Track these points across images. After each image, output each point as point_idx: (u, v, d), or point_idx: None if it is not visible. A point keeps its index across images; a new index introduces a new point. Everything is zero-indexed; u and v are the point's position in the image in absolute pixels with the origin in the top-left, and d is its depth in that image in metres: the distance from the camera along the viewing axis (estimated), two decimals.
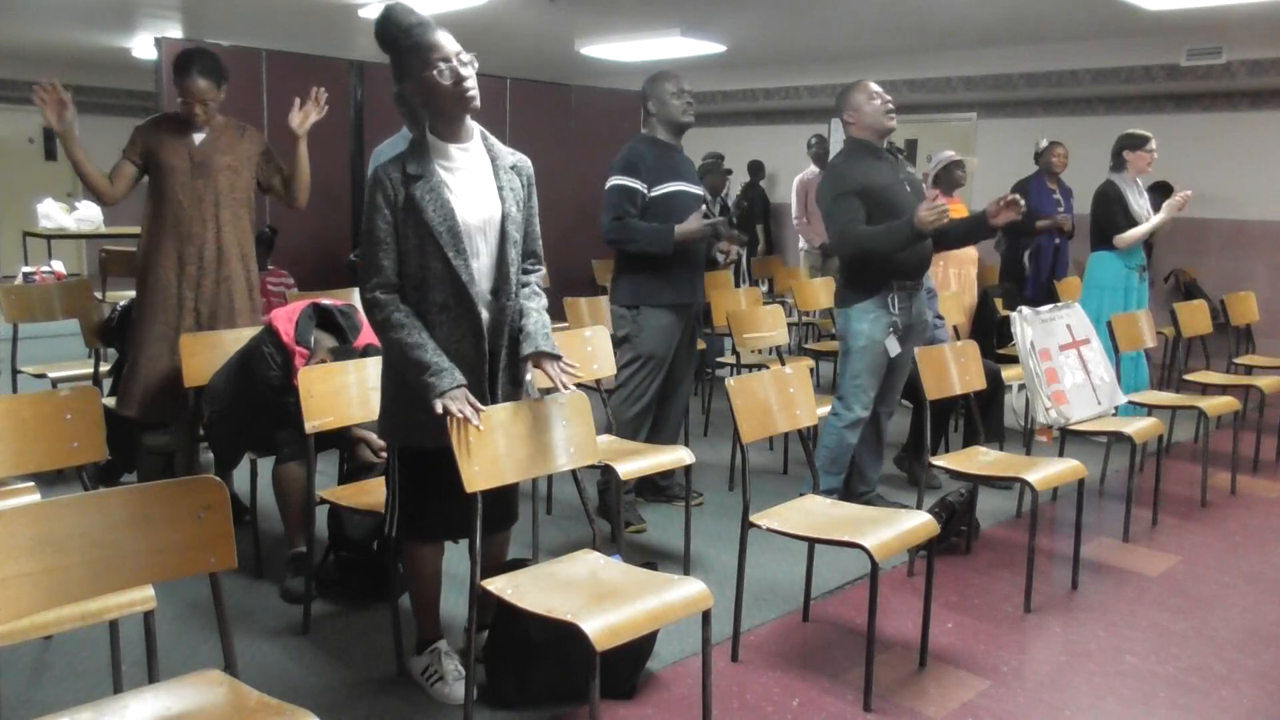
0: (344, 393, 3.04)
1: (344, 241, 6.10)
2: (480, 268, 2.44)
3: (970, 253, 6.05)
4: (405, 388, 2.43)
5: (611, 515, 3.70)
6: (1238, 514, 4.43)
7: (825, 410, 3.91)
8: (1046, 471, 3.34)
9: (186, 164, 3.60)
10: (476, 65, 2.40)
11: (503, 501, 2.64)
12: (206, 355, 3.47)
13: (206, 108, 3.58)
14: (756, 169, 10.14)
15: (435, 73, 2.34)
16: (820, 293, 5.91)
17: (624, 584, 2.35)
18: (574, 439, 2.61)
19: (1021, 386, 4.84)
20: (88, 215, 8.43)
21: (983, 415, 4.19)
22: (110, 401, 3.99)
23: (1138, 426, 4.01)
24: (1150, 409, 4.60)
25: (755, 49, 9.62)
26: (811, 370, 5.22)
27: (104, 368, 4.54)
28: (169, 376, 3.60)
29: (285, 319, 3.24)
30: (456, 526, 2.53)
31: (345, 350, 3.24)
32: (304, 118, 3.78)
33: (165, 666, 2.24)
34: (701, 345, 5.88)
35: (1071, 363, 4.18)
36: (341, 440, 3.34)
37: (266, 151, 3.80)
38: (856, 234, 3.73)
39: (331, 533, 3.33)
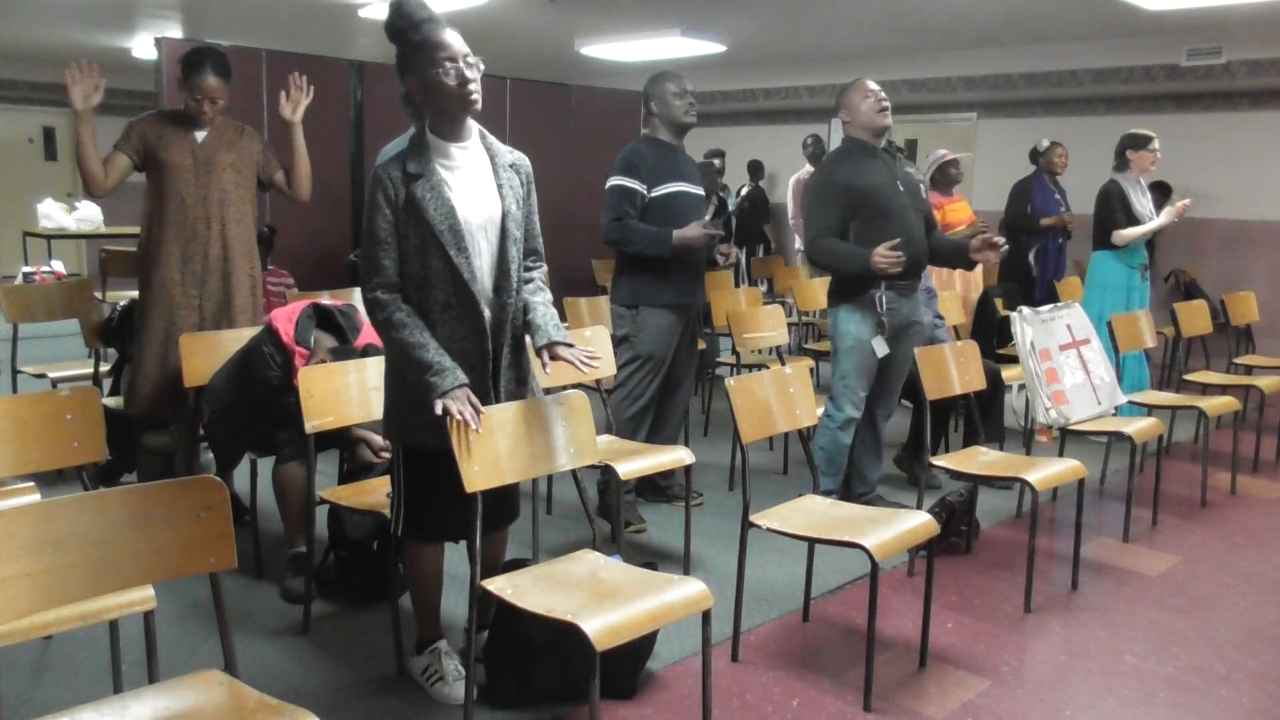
0: (344, 393, 3.04)
1: (344, 241, 6.10)
2: (482, 266, 2.44)
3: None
4: (408, 388, 2.43)
5: (611, 515, 3.70)
6: (1238, 514, 4.43)
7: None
8: (1046, 471, 3.34)
9: (190, 162, 3.60)
10: (482, 69, 2.40)
11: (504, 501, 2.65)
12: (206, 355, 3.47)
13: (215, 106, 3.59)
14: (756, 169, 10.13)
15: (441, 71, 2.34)
16: (820, 293, 5.91)
17: (624, 584, 2.35)
18: (574, 439, 2.61)
19: (1021, 386, 4.84)
20: (88, 215, 8.43)
21: (983, 415, 4.19)
22: (110, 401, 3.99)
23: (1138, 426, 4.01)
24: (1150, 409, 4.60)
25: (755, 49, 9.62)
26: (811, 370, 5.22)
27: (104, 368, 4.54)
28: (174, 375, 3.60)
29: (285, 319, 3.24)
30: (457, 526, 2.53)
31: (345, 350, 3.24)
32: (294, 106, 3.79)
33: (165, 666, 2.25)
34: (702, 345, 5.89)
35: (1071, 363, 4.18)
36: (341, 440, 3.34)
37: (266, 148, 3.81)
38: (821, 246, 3.79)
39: (331, 533, 3.33)
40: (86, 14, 8.73)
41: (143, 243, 3.69)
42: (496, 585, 2.34)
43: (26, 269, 8.06)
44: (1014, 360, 4.92)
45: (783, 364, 4.77)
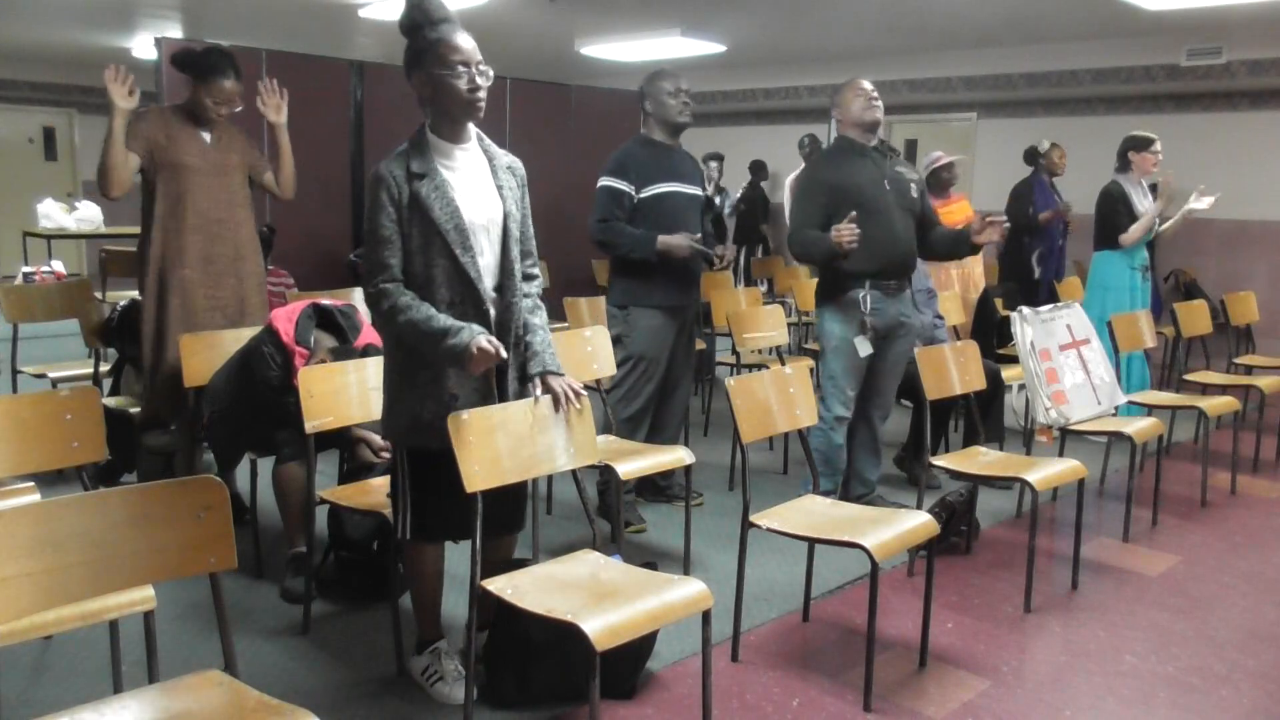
0: (344, 393, 3.04)
1: (344, 241, 6.10)
2: (485, 266, 2.46)
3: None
4: (411, 388, 2.44)
5: (611, 515, 3.70)
6: (1238, 514, 4.43)
7: None
8: (1046, 471, 3.34)
9: (204, 163, 3.62)
10: (491, 78, 2.42)
11: (510, 505, 2.65)
12: (206, 355, 3.47)
13: (232, 109, 3.62)
14: (758, 169, 10.13)
15: (452, 74, 2.36)
16: None
17: (624, 584, 2.35)
18: (574, 439, 2.61)
19: (1021, 386, 4.84)
20: (88, 215, 8.43)
21: (983, 415, 4.19)
22: (110, 401, 3.99)
23: (1138, 426, 4.01)
24: (1150, 409, 4.60)
25: (755, 49, 9.62)
26: (811, 370, 5.21)
27: (104, 368, 4.54)
28: None
29: (285, 319, 3.24)
30: (458, 527, 2.53)
31: (345, 350, 3.24)
32: (275, 108, 3.82)
33: (165, 666, 2.25)
34: (701, 345, 5.89)
35: (1071, 363, 4.18)
36: (341, 440, 3.34)
37: (253, 145, 3.84)
38: (798, 237, 3.82)
39: (331, 533, 3.33)
40: (86, 14, 8.74)
41: (159, 246, 3.62)
42: (496, 585, 2.34)
43: (26, 269, 8.06)
44: (1014, 360, 4.92)
45: (783, 364, 4.77)
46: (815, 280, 6.30)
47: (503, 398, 2.52)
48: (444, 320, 2.35)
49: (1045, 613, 3.33)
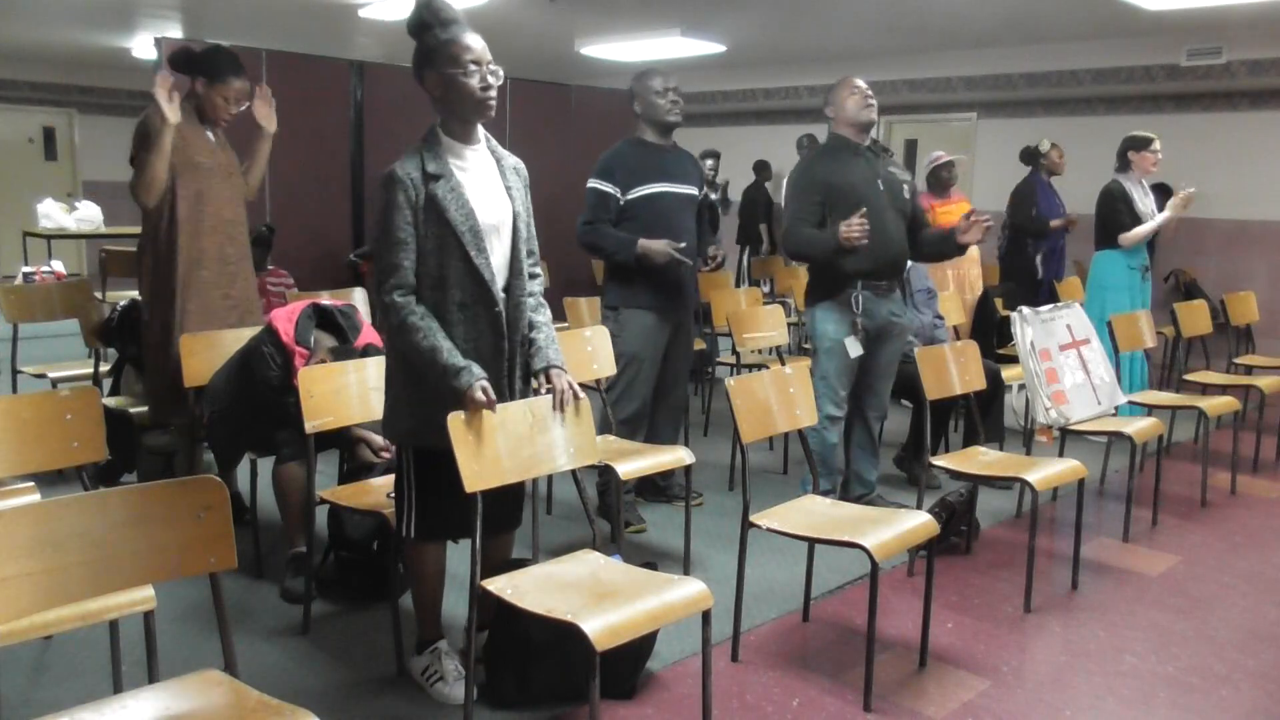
0: (344, 393, 3.04)
1: (344, 241, 6.11)
2: (496, 266, 2.48)
3: (971, 251, 6.06)
4: (418, 388, 2.45)
5: (611, 515, 3.70)
6: (1238, 514, 4.43)
7: None
8: (1046, 471, 3.34)
9: (214, 163, 3.64)
10: (501, 78, 2.44)
11: (508, 504, 2.65)
12: (206, 355, 3.47)
13: (240, 107, 3.65)
14: (762, 168, 10.12)
15: (463, 72, 2.37)
16: None
17: (624, 584, 2.35)
18: (574, 439, 2.61)
19: (1021, 386, 4.84)
20: (88, 215, 8.43)
21: (983, 415, 4.19)
22: (111, 401, 3.99)
23: (1138, 426, 4.01)
24: (1150, 409, 4.60)
25: (755, 49, 9.62)
26: (811, 370, 5.21)
27: (104, 368, 4.53)
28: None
29: (285, 319, 3.24)
30: (459, 526, 2.54)
31: (345, 350, 3.24)
32: (267, 116, 3.83)
33: (165, 666, 2.24)
34: (701, 345, 5.89)
35: (1071, 363, 4.18)
36: (341, 440, 3.34)
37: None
38: (796, 235, 3.81)
39: (331, 533, 3.33)
40: (86, 14, 8.73)
41: (185, 246, 3.59)
42: (496, 585, 2.34)
43: (26, 269, 8.06)
44: (1014, 360, 4.92)
45: (783, 364, 4.77)
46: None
47: (512, 395, 2.54)
48: (447, 356, 2.36)
49: (1045, 613, 3.33)
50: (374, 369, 3.13)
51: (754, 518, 2.88)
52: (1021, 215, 6.52)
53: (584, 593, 2.29)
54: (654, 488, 4.27)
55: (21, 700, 2.59)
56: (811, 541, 2.92)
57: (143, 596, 2.09)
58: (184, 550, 1.88)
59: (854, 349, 3.81)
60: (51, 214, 8.28)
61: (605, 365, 3.83)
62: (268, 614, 3.15)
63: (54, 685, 2.68)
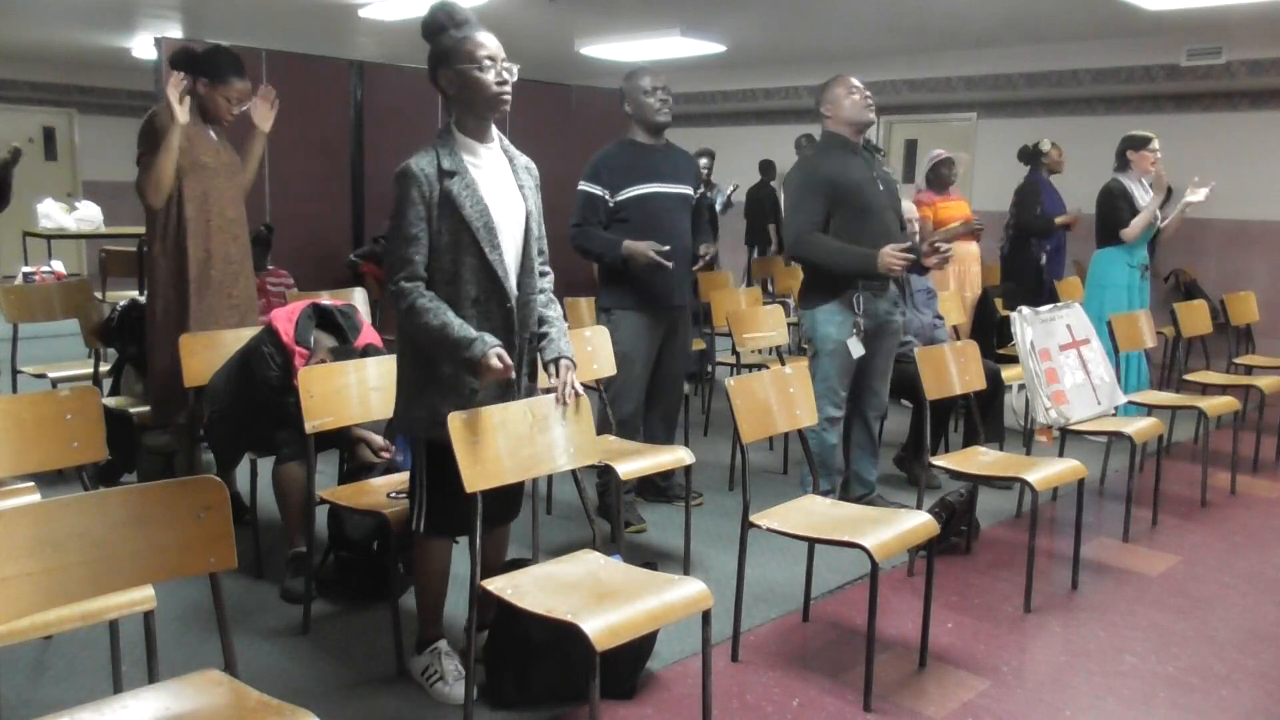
0: (344, 393, 3.04)
1: (344, 241, 6.11)
2: (509, 262, 2.50)
3: (972, 250, 6.07)
4: (430, 378, 2.46)
5: (611, 515, 3.70)
6: (1238, 514, 4.43)
7: None
8: (1046, 471, 3.34)
9: (217, 163, 3.64)
10: (515, 75, 2.48)
11: (508, 503, 2.66)
12: (206, 355, 3.47)
13: (241, 107, 3.65)
14: (767, 168, 10.11)
15: (479, 68, 2.41)
16: None
17: (624, 584, 2.35)
18: (574, 439, 2.61)
19: (1021, 386, 4.84)
20: (88, 215, 8.44)
21: (983, 415, 4.19)
22: (111, 401, 3.99)
23: (1138, 426, 4.01)
24: (1150, 409, 4.60)
25: (755, 49, 9.62)
26: (811, 372, 5.21)
27: (104, 368, 4.53)
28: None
29: (285, 319, 3.24)
30: (465, 521, 2.55)
31: (345, 350, 3.24)
32: (265, 115, 3.84)
33: (165, 666, 2.24)
34: (701, 345, 5.89)
35: (1071, 363, 4.18)
36: (341, 440, 3.34)
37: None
38: (813, 243, 3.75)
39: (331, 533, 3.33)
40: (86, 14, 8.73)
41: (198, 246, 3.59)
42: (496, 585, 2.34)
43: (26, 269, 8.07)
44: (1014, 360, 4.92)
45: (783, 364, 4.77)
46: None
47: (519, 391, 2.56)
48: (458, 330, 2.38)
49: (1045, 613, 3.33)
50: (374, 369, 3.13)
51: (754, 518, 2.88)
52: (1026, 214, 6.48)
53: (584, 593, 2.29)
54: (654, 488, 4.27)
55: (21, 700, 2.59)
56: (811, 541, 2.92)
57: (143, 596, 2.09)
58: (184, 550, 1.88)
59: (856, 349, 3.81)
60: (51, 214, 8.28)
61: (605, 365, 3.84)
62: (268, 614, 3.15)
63: (54, 685, 2.68)
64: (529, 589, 2.32)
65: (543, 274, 2.65)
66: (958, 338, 5.30)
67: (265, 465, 3.34)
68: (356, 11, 7.92)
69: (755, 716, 2.63)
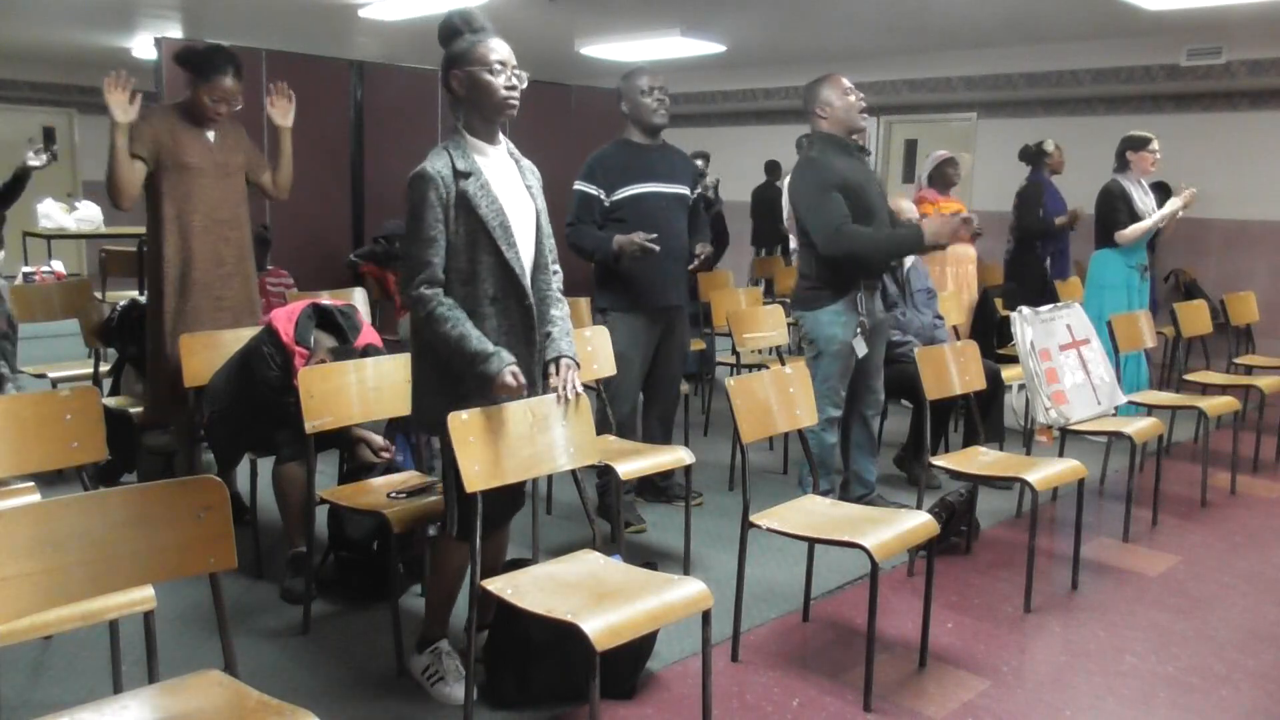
0: (344, 393, 3.04)
1: (344, 242, 6.11)
2: (525, 261, 2.52)
3: (969, 251, 6.07)
4: (453, 376, 2.47)
5: (611, 515, 3.70)
6: (1238, 514, 4.43)
7: None
8: (1046, 471, 3.34)
9: (210, 164, 3.60)
10: (525, 82, 2.51)
11: (511, 496, 2.67)
12: (206, 355, 3.47)
13: (232, 108, 3.61)
14: (773, 168, 10.11)
15: (489, 70, 2.44)
16: None
17: (624, 584, 2.35)
18: (574, 439, 2.61)
19: (1021, 386, 4.84)
20: (88, 215, 8.44)
21: (983, 415, 4.19)
22: (111, 401, 3.99)
23: (1138, 426, 4.01)
24: (1150, 409, 4.60)
25: (755, 49, 9.62)
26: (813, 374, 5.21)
27: (104, 368, 4.54)
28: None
29: (285, 319, 3.24)
30: (501, 515, 2.62)
31: (345, 350, 3.24)
32: (283, 112, 3.81)
33: (165, 666, 2.24)
34: (701, 345, 5.89)
35: (1071, 363, 4.18)
36: (341, 440, 3.35)
37: (253, 145, 3.83)
38: (851, 233, 3.66)
39: (331, 533, 3.33)
40: (86, 14, 8.74)
41: (175, 247, 3.59)
42: (496, 585, 2.34)
43: (26, 269, 8.07)
44: (1014, 360, 4.92)
45: (783, 364, 4.77)
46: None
47: (535, 390, 2.57)
48: (476, 343, 2.40)
49: (1045, 613, 3.33)
50: (374, 369, 3.13)
51: (754, 518, 2.88)
52: (1028, 217, 6.44)
53: (584, 593, 2.29)
54: (654, 488, 4.27)
55: (21, 700, 2.59)
56: (811, 541, 2.92)
57: (143, 596, 2.09)
58: (184, 550, 1.88)
59: (861, 348, 3.83)
60: (51, 214, 8.29)
61: (605, 365, 3.84)
62: (268, 614, 3.15)
63: (54, 685, 2.68)
64: (529, 589, 2.32)
65: (554, 272, 2.69)
66: (958, 338, 5.30)
67: (265, 465, 3.34)
68: (356, 11, 7.92)
69: (755, 716, 2.63)
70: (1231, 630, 3.22)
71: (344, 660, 2.87)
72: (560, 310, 2.66)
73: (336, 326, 3.31)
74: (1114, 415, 4.28)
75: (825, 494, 3.69)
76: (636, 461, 3.39)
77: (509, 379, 2.38)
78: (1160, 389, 5.44)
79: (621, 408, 3.88)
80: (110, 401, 4.00)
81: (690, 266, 4.04)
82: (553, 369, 2.61)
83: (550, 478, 4.08)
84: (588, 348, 3.81)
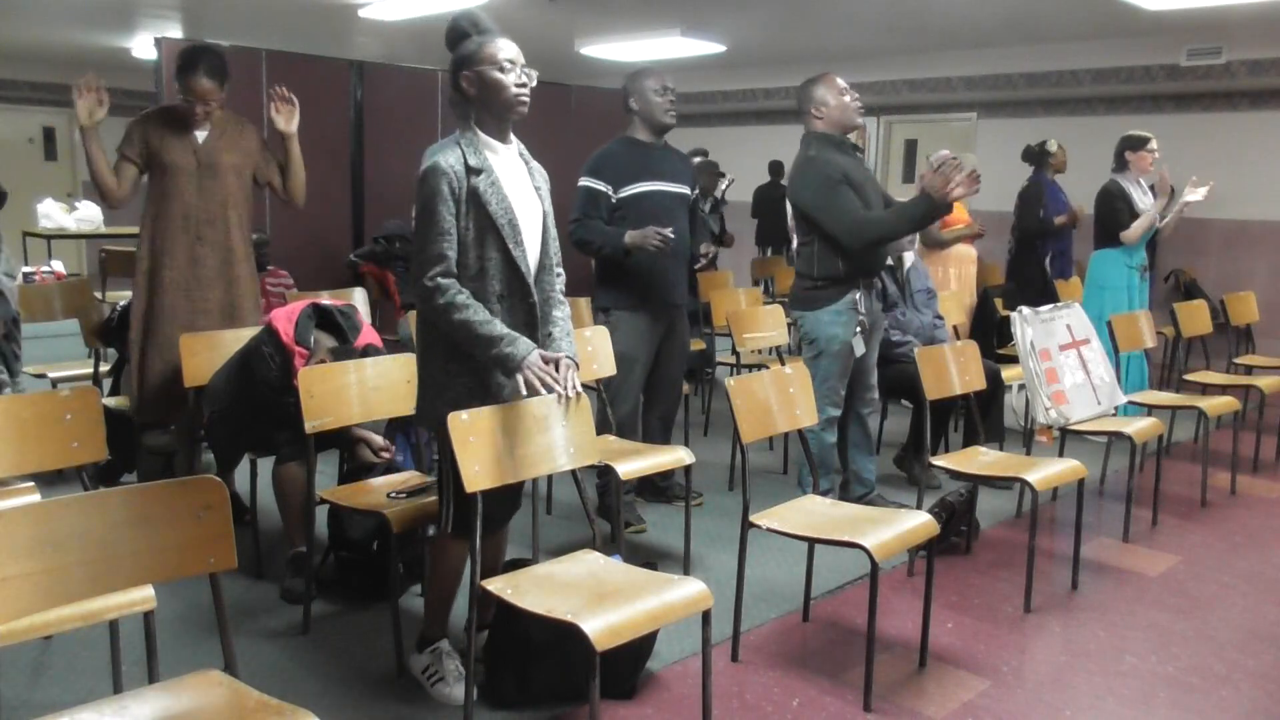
0: (344, 393, 3.04)
1: (344, 242, 6.11)
2: (531, 260, 2.54)
3: (970, 252, 6.07)
4: (464, 375, 2.48)
5: (611, 515, 3.70)
6: (1238, 514, 4.43)
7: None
8: (1046, 471, 3.34)
9: (194, 164, 3.59)
10: (535, 80, 2.52)
11: (510, 496, 2.67)
12: (206, 355, 3.47)
13: (208, 108, 3.57)
14: (777, 169, 10.10)
15: (499, 69, 2.46)
16: None
17: (624, 584, 2.35)
18: (574, 439, 2.61)
19: (1021, 386, 4.84)
20: (88, 215, 8.44)
21: (983, 415, 4.19)
22: (111, 401, 3.99)
23: (1138, 426, 4.01)
24: (1150, 409, 4.60)
25: (755, 49, 9.62)
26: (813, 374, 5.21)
27: (104, 368, 4.54)
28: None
29: (285, 319, 3.24)
30: (489, 520, 2.56)
31: (345, 350, 3.24)
32: (287, 117, 3.76)
33: (165, 666, 2.24)
34: (701, 345, 5.89)
35: (1071, 363, 4.18)
36: (341, 440, 3.34)
37: (264, 146, 3.80)
38: (872, 221, 3.67)
39: (331, 533, 3.33)
40: (86, 14, 8.73)
41: (146, 245, 3.64)
42: (496, 585, 2.34)
43: (26, 269, 8.06)
44: (1014, 360, 4.92)
45: (783, 364, 4.77)
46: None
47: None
48: (498, 327, 2.42)
49: (1045, 613, 3.33)
50: (374, 369, 3.13)
51: (754, 518, 2.88)
52: (1028, 219, 6.43)
53: (584, 593, 2.29)
54: (654, 488, 4.27)
55: (21, 700, 2.59)
56: (811, 541, 2.92)
57: (143, 596, 2.09)
58: (184, 550, 1.88)
59: (859, 347, 3.85)
60: (51, 214, 8.28)
61: (605, 365, 3.84)
62: (268, 614, 3.15)
63: (54, 685, 2.68)
64: (529, 589, 2.32)
65: (558, 274, 2.70)
66: (958, 338, 5.30)
67: (265, 465, 3.34)
68: (356, 11, 7.92)
69: (755, 716, 2.63)
70: (1231, 630, 3.22)
71: (344, 660, 2.87)
72: (562, 311, 2.67)
73: (336, 326, 3.31)
74: (1114, 415, 4.28)
75: (825, 494, 3.69)
76: (636, 461, 3.39)
77: (531, 374, 2.40)
78: (1160, 389, 5.44)
79: (623, 407, 3.88)
80: (110, 401, 4.00)
81: (697, 266, 4.05)
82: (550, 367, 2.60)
83: (550, 478, 4.08)
84: (588, 348, 3.81)
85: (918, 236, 4.98)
